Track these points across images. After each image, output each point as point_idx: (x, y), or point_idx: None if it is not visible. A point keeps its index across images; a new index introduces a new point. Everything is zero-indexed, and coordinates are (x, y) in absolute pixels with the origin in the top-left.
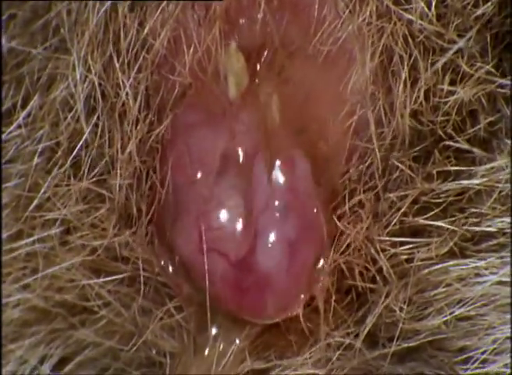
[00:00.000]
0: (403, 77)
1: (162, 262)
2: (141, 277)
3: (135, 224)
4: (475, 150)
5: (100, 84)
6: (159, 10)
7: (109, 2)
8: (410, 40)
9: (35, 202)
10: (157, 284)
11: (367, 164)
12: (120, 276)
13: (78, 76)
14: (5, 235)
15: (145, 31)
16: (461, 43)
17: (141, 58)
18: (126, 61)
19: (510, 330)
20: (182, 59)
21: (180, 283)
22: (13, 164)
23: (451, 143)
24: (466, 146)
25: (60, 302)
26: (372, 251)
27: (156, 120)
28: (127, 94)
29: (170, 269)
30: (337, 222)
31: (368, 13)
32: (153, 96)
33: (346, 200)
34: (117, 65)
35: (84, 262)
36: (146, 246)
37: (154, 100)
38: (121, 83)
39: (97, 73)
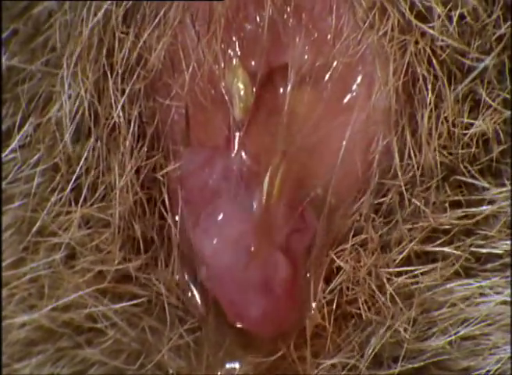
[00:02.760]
0: (429, 106)
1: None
2: (162, 301)
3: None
4: (487, 184)
5: (92, 103)
6: (155, 23)
7: (100, 14)
8: (433, 59)
9: (38, 226)
10: (164, 304)
11: (382, 200)
12: (131, 302)
13: (67, 94)
14: (9, 259)
15: (139, 45)
16: (488, 60)
17: (135, 75)
18: (119, 79)
19: None
20: (180, 77)
21: (196, 304)
22: (17, 183)
23: (465, 179)
24: (479, 182)
25: (66, 322)
26: (373, 286)
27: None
28: (119, 116)
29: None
30: (336, 259)
31: (389, 27)
32: (148, 123)
33: (350, 237)
34: (110, 83)
35: (91, 284)
36: (163, 269)
37: (149, 127)
38: (113, 103)
39: (87, 91)
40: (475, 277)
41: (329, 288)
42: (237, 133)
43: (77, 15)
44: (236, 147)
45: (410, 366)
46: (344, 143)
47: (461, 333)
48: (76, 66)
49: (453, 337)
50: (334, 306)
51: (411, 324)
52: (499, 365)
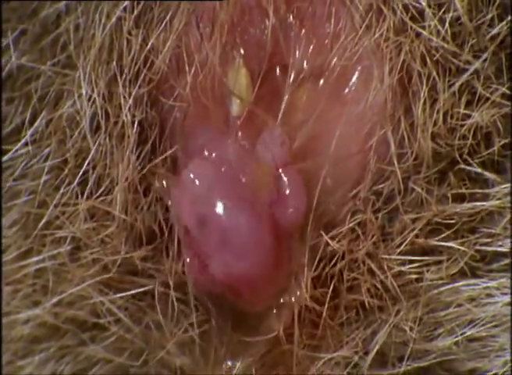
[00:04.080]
0: (422, 98)
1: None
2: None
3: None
4: (489, 175)
5: (104, 102)
6: (162, 26)
7: (115, 18)
8: (427, 58)
9: (44, 220)
10: (168, 298)
11: (381, 186)
12: (132, 292)
13: (84, 93)
14: (14, 253)
15: (147, 48)
16: (477, 64)
17: (142, 76)
18: (127, 79)
19: None
20: (183, 78)
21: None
22: (22, 181)
23: (466, 167)
24: (480, 171)
25: (70, 318)
26: (373, 267)
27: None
28: (126, 115)
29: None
30: (327, 239)
31: (385, 28)
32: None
33: (347, 220)
34: (120, 83)
35: (95, 277)
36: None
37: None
38: (122, 102)
39: (100, 90)
40: (482, 278)
41: (326, 271)
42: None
43: (90, 18)
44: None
45: (416, 365)
46: (339, 131)
47: (468, 334)
48: (90, 67)
49: (460, 338)
50: (330, 290)
51: (417, 324)
52: (505, 367)
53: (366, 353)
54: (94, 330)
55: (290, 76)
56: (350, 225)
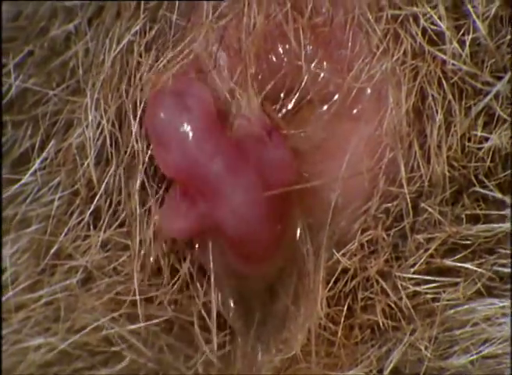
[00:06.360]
0: (438, 122)
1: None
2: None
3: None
4: (506, 198)
5: (114, 131)
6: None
7: (125, 42)
8: (444, 81)
9: (54, 250)
10: (182, 322)
11: (390, 204)
12: (149, 323)
13: (90, 121)
14: (25, 283)
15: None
16: (499, 86)
17: None
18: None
19: None
20: None
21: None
22: (34, 206)
23: (481, 190)
24: (496, 194)
25: (82, 343)
26: (384, 286)
27: None
28: (139, 146)
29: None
30: (338, 256)
31: (402, 52)
32: None
33: (358, 235)
34: (130, 112)
35: (107, 304)
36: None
37: None
38: (133, 131)
39: (109, 118)
40: (498, 297)
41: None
42: None
43: (99, 43)
44: None
45: None
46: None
47: (483, 352)
48: (99, 93)
49: (475, 357)
50: (345, 309)
51: (432, 342)
52: None
53: (380, 371)
54: (106, 354)
55: (304, 98)
56: (361, 241)
